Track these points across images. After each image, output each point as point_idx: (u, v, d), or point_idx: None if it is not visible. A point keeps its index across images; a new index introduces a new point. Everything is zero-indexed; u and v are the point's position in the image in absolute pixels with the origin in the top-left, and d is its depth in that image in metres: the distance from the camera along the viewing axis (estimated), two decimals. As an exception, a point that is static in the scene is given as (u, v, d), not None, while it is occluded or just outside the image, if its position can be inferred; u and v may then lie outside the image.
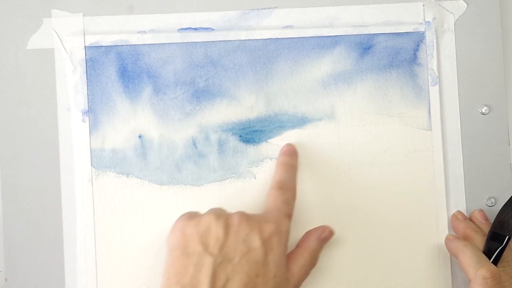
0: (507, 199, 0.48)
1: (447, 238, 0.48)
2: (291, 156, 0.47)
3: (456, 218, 0.49)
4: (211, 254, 0.39)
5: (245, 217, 0.41)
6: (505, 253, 0.46)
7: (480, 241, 0.47)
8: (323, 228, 0.45)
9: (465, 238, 0.47)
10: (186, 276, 0.39)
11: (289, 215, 0.43)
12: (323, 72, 0.49)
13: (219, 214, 0.42)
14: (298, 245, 0.44)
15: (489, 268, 0.43)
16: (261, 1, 0.49)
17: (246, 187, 0.48)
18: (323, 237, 0.45)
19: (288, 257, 0.42)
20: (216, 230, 0.40)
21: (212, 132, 0.49)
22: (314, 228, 0.46)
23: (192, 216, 0.42)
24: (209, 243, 0.40)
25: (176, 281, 0.39)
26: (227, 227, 0.40)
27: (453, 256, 0.47)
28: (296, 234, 0.48)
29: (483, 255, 0.45)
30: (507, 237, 0.46)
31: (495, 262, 0.45)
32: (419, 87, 0.50)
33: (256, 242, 0.40)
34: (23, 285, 0.47)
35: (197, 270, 0.39)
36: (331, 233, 0.46)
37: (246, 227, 0.40)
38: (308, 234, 0.45)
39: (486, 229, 0.48)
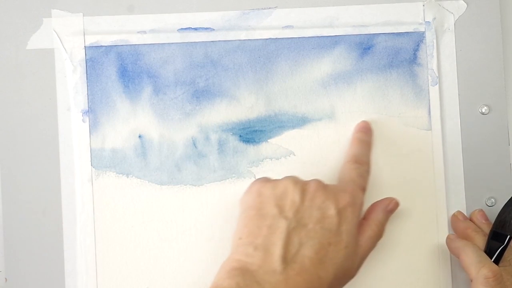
0: (508, 199, 0.48)
1: (448, 238, 0.48)
2: (366, 132, 0.48)
3: (456, 218, 0.49)
4: (286, 218, 0.39)
5: (322, 185, 0.42)
6: (506, 253, 0.46)
7: (480, 241, 0.47)
8: (389, 199, 0.45)
9: (466, 238, 0.47)
10: (259, 237, 0.39)
11: (363, 188, 0.43)
12: (323, 72, 0.49)
13: (297, 180, 0.42)
14: (365, 217, 0.44)
15: (490, 268, 0.43)
16: (261, 1, 0.49)
17: (246, 187, 0.48)
18: (390, 208, 0.45)
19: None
20: (292, 195, 0.40)
21: (212, 132, 0.49)
22: (380, 200, 0.45)
23: (268, 179, 0.43)
24: (285, 206, 0.40)
25: (249, 241, 0.39)
26: (303, 193, 0.41)
27: (455, 256, 0.47)
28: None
29: (485, 254, 0.45)
30: (508, 236, 0.46)
31: (497, 262, 0.45)
32: (419, 87, 0.50)
33: (331, 210, 0.40)
34: (23, 285, 0.47)
35: (271, 232, 0.39)
36: (397, 205, 0.45)
37: (322, 194, 0.41)
38: (374, 206, 0.45)
39: (487, 229, 0.48)
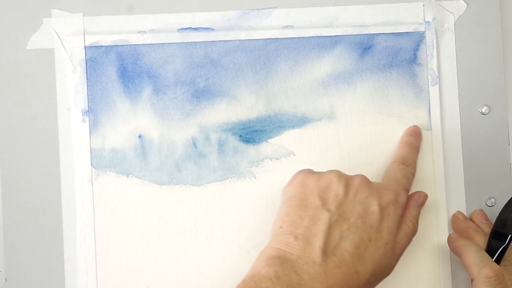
0: (510, 198, 0.48)
1: (449, 237, 0.48)
2: (416, 137, 0.48)
3: (456, 218, 0.49)
4: (328, 210, 0.39)
5: (366, 181, 0.42)
6: (507, 252, 0.46)
7: (481, 240, 0.47)
8: (418, 193, 0.45)
9: (467, 238, 0.47)
10: (301, 227, 0.39)
11: (407, 190, 0.44)
12: (323, 72, 0.49)
13: (342, 173, 0.42)
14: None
15: (492, 267, 0.43)
16: (261, 1, 0.49)
17: (246, 187, 0.48)
18: (420, 202, 0.45)
19: None
20: (336, 188, 0.40)
21: (212, 132, 0.49)
22: (409, 196, 0.45)
23: (312, 171, 0.43)
24: (328, 199, 0.40)
25: (290, 230, 0.39)
26: (347, 187, 0.41)
27: (456, 255, 0.47)
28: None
29: (486, 254, 0.45)
30: (510, 235, 0.46)
31: (498, 261, 0.45)
32: (419, 87, 0.50)
33: (374, 206, 0.40)
34: (23, 285, 0.47)
35: (313, 223, 0.39)
36: (426, 197, 0.46)
37: (366, 190, 0.41)
38: (406, 202, 0.44)
39: (487, 229, 0.48)
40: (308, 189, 0.41)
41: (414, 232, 0.43)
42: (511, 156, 0.50)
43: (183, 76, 0.49)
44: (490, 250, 0.46)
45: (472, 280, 0.44)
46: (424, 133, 0.49)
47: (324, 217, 0.39)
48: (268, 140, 0.49)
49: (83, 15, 0.48)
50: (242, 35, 0.49)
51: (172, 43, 0.49)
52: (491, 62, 0.50)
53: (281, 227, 0.40)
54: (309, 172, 0.43)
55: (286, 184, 0.43)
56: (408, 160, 0.46)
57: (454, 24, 0.50)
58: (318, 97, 0.49)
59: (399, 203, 0.42)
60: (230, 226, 0.48)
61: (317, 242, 0.38)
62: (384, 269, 0.41)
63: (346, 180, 0.41)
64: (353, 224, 0.39)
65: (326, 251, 0.38)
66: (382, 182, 0.44)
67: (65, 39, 0.48)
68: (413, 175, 0.46)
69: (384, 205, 0.41)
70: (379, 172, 0.49)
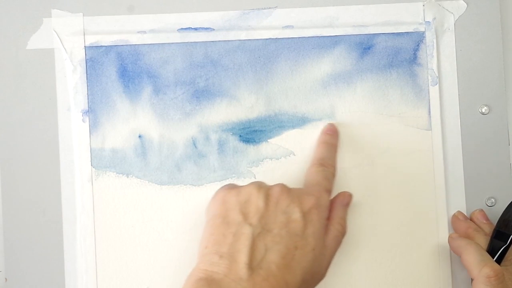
0: None
1: (450, 237, 0.48)
2: (332, 135, 0.48)
3: (457, 219, 0.49)
4: (250, 224, 0.39)
5: (286, 189, 0.41)
6: (508, 252, 0.46)
7: (482, 240, 0.47)
8: (342, 194, 0.45)
9: (467, 238, 0.47)
10: (225, 245, 0.39)
11: (329, 191, 0.44)
12: (323, 72, 0.49)
13: (260, 185, 0.42)
14: (327, 218, 0.44)
15: (492, 267, 0.43)
16: (261, 1, 0.49)
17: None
18: (346, 202, 0.45)
19: None
20: (256, 200, 0.40)
21: (212, 132, 0.49)
22: (334, 198, 0.45)
23: (233, 186, 0.42)
24: (249, 213, 0.40)
25: (215, 250, 0.39)
26: (267, 198, 0.40)
27: (456, 255, 0.47)
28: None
29: (487, 254, 0.45)
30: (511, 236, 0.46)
31: (499, 261, 0.45)
32: (419, 87, 0.50)
33: (296, 214, 0.40)
34: (23, 285, 0.47)
35: (236, 240, 0.39)
36: (350, 197, 0.46)
37: (286, 198, 0.40)
38: (331, 204, 0.44)
39: (487, 229, 0.48)
40: (229, 206, 0.40)
41: (343, 233, 0.43)
42: (511, 156, 0.50)
43: (183, 76, 0.49)
44: (491, 250, 0.46)
45: (472, 280, 0.44)
46: (424, 133, 0.49)
47: (247, 231, 0.39)
48: (268, 140, 0.49)
49: (83, 15, 0.48)
50: (242, 35, 0.49)
51: (172, 43, 0.49)
52: (491, 62, 0.50)
53: (206, 247, 0.39)
54: (230, 187, 0.42)
55: (209, 203, 0.43)
56: (327, 161, 0.46)
57: (454, 24, 0.50)
58: (318, 97, 0.49)
59: (322, 206, 0.41)
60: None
61: (242, 258, 0.38)
62: (315, 275, 0.40)
63: (266, 191, 0.41)
64: (277, 235, 0.39)
65: (252, 266, 0.38)
66: (303, 187, 0.44)
67: (65, 39, 0.48)
68: (333, 174, 0.45)
69: (306, 211, 0.40)
70: (379, 172, 0.49)
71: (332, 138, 0.48)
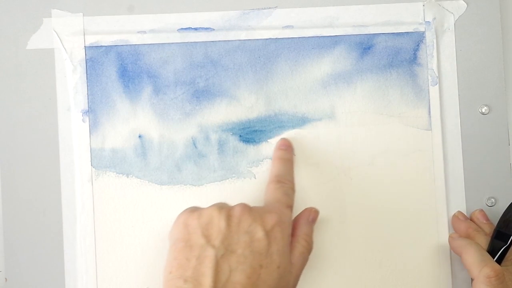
0: (512, 198, 0.48)
1: (450, 237, 0.48)
2: (286, 150, 0.47)
3: (457, 218, 0.49)
4: (213, 246, 0.39)
5: (247, 208, 0.41)
6: (509, 252, 0.46)
7: (482, 240, 0.47)
8: (308, 210, 0.45)
9: (467, 238, 0.47)
10: (189, 269, 0.38)
11: (290, 206, 0.43)
12: (323, 72, 0.49)
13: (221, 206, 0.41)
14: (292, 234, 0.44)
15: (493, 267, 0.43)
16: (261, 1, 0.49)
17: (246, 187, 0.48)
18: (312, 218, 0.45)
19: None
20: (218, 222, 0.40)
21: (212, 132, 0.49)
22: (300, 213, 0.45)
23: (194, 209, 0.42)
24: (211, 235, 0.40)
25: (179, 274, 0.38)
26: (229, 219, 0.40)
27: (457, 255, 0.47)
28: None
29: (487, 254, 0.45)
30: None
31: (499, 261, 0.45)
32: (419, 87, 0.50)
33: (259, 233, 0.40)
34: (23, 285, 0.47)
35: (200, 263, 0.38)
36: (316, 213, 0.46)
37: (248, 218, 0.40)
38: (297, 220, 0.45)
39: (487, 229, 0.48)
40: (191, 229, 0.40)
41: (309, 250, 0.43)
42: (511, 156, 0.50)
43: (183, 76, 0.49)
44: (492, 250, 0.46)
45: (472, 280, 0.44)
46: (424, 133, 0.49)
47: (210, 254, 0.38)
48: (268, 140, 0.49)
49: (83, 15, 0.48)
50: (242, 35, 0.49)
51: (172, 43, 0.49)
52: (491, 62, 0.50)
53: (170, 272, 0.39)
54: (191, 211, 0.42)
55: (171, 227, 0.42)
56: (284, 177, 0.45)
57: (454, 24, 0.50)
58: (318, 97, 0.49)
59: (285, 222, 0.41)
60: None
61: (207, 281, 0.37)
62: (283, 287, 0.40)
63: (227, 212, 0.41)
64: (241, 255, 0.39)
65: None
66: (264, 205, 0.43)
67: (65, 39, 0.48)
68: (292, 189, 0.45)
69: (269, 229, 0.40)
70: (379, 172, 0.49)
71: (286, 153, 0.47)
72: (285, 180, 0.45)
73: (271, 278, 0.39)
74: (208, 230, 0.40)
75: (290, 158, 0.47)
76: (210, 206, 0.42)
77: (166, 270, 0.40)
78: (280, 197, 0.43)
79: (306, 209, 0.46)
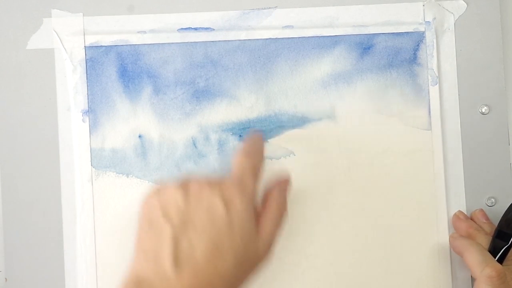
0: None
1: (451, 237, 0.48)
2: (256, 134, 0.45)
3: (457, 218, 0.49)
4: (172, 223, 0.39)
5: (205, 182, 0.40)
6: (510, 252, 0.46)
7: (483, 239, 0.47)
8: (279, 178, 0.44)
9: (468, 237, 0.47)
10: (150, 246, 0.39)
11: (254, 176, 0.42)
12: (323, 72, 0.49)
13: (181, 182, 0.41)
14: (264, 202, 0.42)
15: (494, 267, 0.43)
16: (261, 1, 0.49)
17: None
18: (283, 186, 0.43)
19: (258, 216, 0.41)
20: (175, 198, 0.40)
21: (212, 132, 0.49)
22: (271, 183, 0.43)
23: (157, 188, 0.42)
24: (170, 212, 0.39)
25: (142, 251, 0.39)
26: (186, 193, 0.40)
27: (458, 255, 0.47)
28: (296, 236, 0.48)
29: (489, 253, 0.45)
30: None
31: (500, 261, 0.45)
32: (419, 87, 0.50)
33: (218, 206, 0.39)
34: (23, 285, 0.47)
35: (159, 240, 0.38)
36: (288, 180, 0.44)
37: (206, 190, 0.40)
38: (268, 189, 0.43)
39: (488, 228, 0.48)
40: (152, 208, 0.40)
41: (280, 215, 0.41)
42: (511, 156, 0.50)
43: (183, 76, 0.49)
44: (493, 249, 0.46)
45: (473, 280, 0.44)
46: (424, 133, 0.49)
47: (168, 230, 0.38)
48: (268, 140, 0.49)
49: (83, 15, 0.48)
50: (242, 35, 0.49)
51: (172, 43, 0.49)
52: (491, 62, 0.50)
53: (135, 250, 0.39)
54: (154, 190, 0.41)
55: (139, 209, 0.42)
56: (250, 148, 0.43)
57: (454, 24, 0.50)
58: (318, 97, 0.49)
59: (245, 192, 0.40)
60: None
61: (166, 257, 0.38)
62: (252, 258, 0.39)
63: (184, 187, 0.40)
64: (200, 228, 0.39)
65: (178, 263, 0.37)
66: (225, 177, 0.42)
67: (65, 39, 0.48)
68: (259, 161, 0.43)
69: (228, 201, 0.39)
70: (379, 172, 0.49)
71: (256, 135, 0.45)
72: (251, 151, 0.43)
73: (234, 245, 0.38)
74: (166, 207, 0.40)
75: (260, 137, 0.45)
76: (170, 183, 0.41)
77: (134, 252, 0.40)
78: (244, 168, 0.42)
79: (277, 177, 0.44)
